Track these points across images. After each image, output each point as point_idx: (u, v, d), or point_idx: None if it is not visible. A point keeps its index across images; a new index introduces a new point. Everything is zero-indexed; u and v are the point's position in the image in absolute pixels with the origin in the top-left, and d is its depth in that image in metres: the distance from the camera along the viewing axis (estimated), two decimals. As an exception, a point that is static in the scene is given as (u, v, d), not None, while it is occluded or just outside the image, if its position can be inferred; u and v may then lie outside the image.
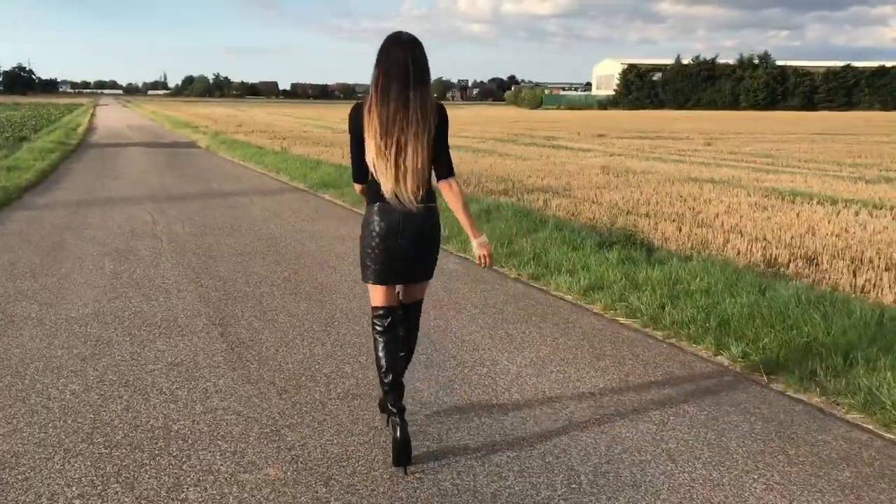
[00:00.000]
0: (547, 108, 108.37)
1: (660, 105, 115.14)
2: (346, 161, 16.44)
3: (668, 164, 18.65)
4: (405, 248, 3.20)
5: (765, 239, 8.31)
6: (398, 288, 3.42)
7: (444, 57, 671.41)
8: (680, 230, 8.85)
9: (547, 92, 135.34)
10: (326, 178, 13.39)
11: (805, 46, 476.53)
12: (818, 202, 11.30)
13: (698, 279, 5.98)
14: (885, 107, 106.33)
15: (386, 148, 3.06)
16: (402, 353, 3.41)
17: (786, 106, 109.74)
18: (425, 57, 3.12)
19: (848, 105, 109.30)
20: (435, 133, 3.13)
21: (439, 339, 4.98)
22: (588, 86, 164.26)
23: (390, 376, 3.26)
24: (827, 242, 8.09)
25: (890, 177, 15.70)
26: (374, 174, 3.13)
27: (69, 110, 58.97)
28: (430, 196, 3.20)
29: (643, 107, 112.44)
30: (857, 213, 10.35)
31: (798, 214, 10.15)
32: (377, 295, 3.33)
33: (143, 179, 14.29)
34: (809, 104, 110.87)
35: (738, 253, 7.58)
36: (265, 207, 11.04)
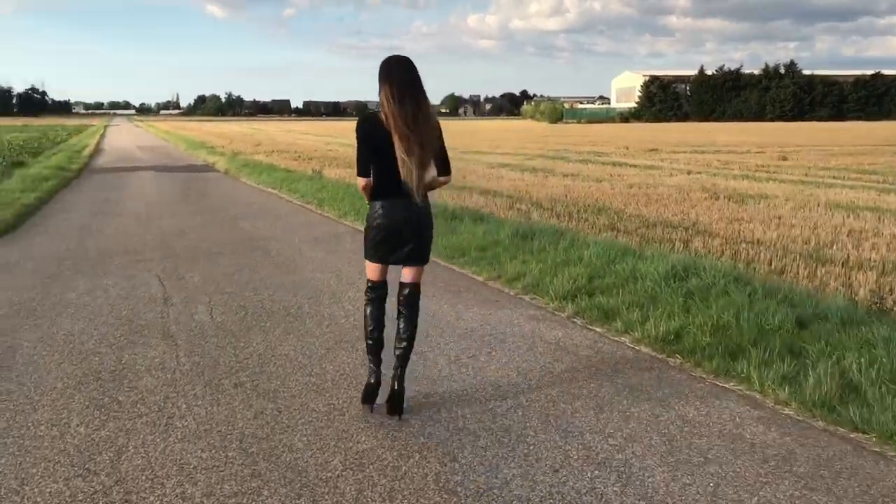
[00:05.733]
0: (567, 122, 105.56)
1: (684, 117, 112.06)
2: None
3: (764, 184, 15.97)
4: (408, 235, 3.81)
5: None
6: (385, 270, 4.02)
7: (454, 73, 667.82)
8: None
9: (567, 106, 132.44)
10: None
11: (814, 57, 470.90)
12: None
13: None
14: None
15: (412, 144, 3.62)
16: (404, 344, 3.88)
17: (813, 116, 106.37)
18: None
19: (879, 114, 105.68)
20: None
21: None
22: (602, 99, 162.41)
23: (376, 333, 3.94)
24: None
25: None
26: (400, 167, 3.65)
27: (78, 131, 56.61)
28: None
29: (667, 119, 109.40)
30: None
31: None
32: (374, 271, 3.96)
33: (152, 217, 11.37)
34: (839, 114, 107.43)
35: None
36: (326, 266, 7.63)
